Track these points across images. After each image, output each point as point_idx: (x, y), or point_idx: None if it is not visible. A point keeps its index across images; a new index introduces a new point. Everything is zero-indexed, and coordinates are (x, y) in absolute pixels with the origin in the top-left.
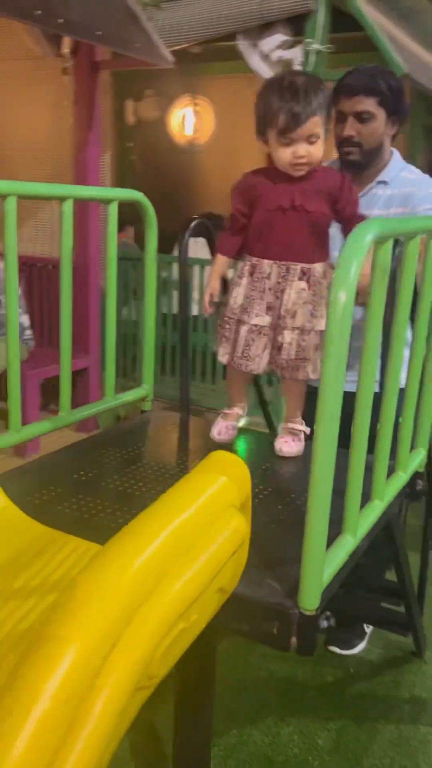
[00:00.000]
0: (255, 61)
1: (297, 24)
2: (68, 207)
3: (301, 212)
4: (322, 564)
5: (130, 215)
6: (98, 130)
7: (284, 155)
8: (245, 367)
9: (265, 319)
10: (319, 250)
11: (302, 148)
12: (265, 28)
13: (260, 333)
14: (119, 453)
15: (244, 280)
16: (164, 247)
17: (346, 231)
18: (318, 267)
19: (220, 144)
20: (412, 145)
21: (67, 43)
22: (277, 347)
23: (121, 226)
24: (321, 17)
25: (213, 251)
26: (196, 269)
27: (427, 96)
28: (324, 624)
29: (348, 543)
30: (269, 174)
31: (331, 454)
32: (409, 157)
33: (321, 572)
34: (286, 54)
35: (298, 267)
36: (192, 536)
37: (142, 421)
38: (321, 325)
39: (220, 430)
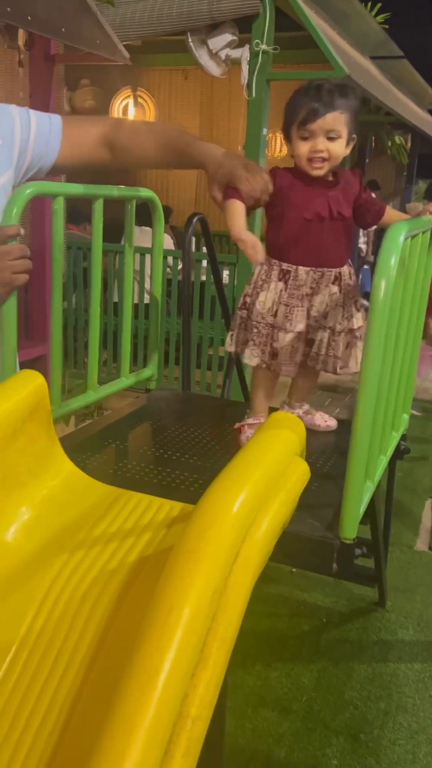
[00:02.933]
0: (204, 59)
1: (242, 23)
2: (99, 205)
3: (338, 220)
4: (360, 500)
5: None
6: None
7: (303, 149)
8: (284, 371)
9: (300, 326)
10: (346, 252)
11: (321, 143)
12: (213, 26)
13: (300, 339)
14: (146, 424)
15: (274, 285)
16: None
17: (369, 219)
18: (346, 269)
19: None
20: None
21: (21, 36)
22: (309, 344)
23: (79, 222)
24: (268, 20)
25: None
26: (139, 257)
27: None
28: (358, 552)
29: (369, 488)
30: (301, 177)
31: (371, 407)
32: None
33: (359, 507)
34: (233, 53)
35: (332, 273)
36: (273, 482)
37: (154, 397)
38: (351, 324)
39: (249, 434)
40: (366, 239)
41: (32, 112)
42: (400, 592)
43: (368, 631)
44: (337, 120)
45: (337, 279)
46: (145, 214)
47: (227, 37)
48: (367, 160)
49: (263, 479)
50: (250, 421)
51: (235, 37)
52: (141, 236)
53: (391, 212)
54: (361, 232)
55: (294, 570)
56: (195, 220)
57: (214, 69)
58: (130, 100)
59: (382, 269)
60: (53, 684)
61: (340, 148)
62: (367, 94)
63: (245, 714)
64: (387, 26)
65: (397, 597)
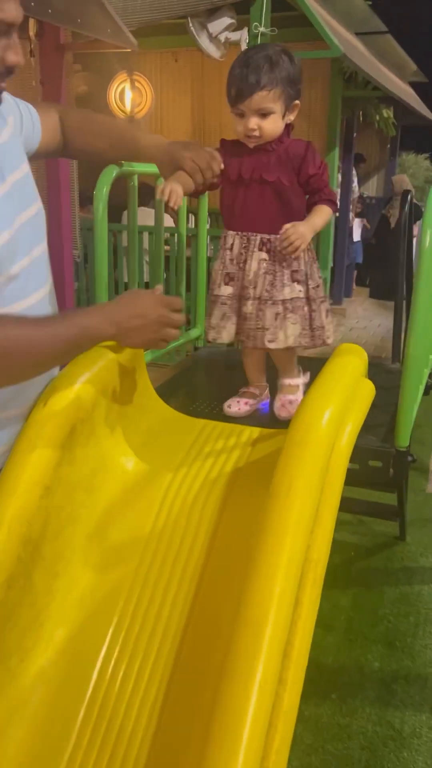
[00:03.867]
0: (204, 42)
1: (240, 6)
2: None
3: (262, 183)
4: (412, 416)
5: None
6: None
7: (238, 126)
8: (212, 337)
9: (226, 290)
10: (283, 220)
11: (252, 121)
12: (212, 10)
13: (222, 303)
14: (205, 373)
15: (221, 253)
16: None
17: (310, 203)
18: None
19: (153, 117)
20: (331, 116)
21: (32, 26)
22: (243, 317)
23: (84, 204)
24: (265, 2)
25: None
26: (146, 236)
27: (344, 69)
28: (410, 458)
29: (415, 408)
30: (237, 144)
31: (420, 342)
32: (329, 128)
33: (411, 421)
34: (233, 36)
35: (258, 237)
36: (349, 399)
37: (203, 353)
38: (282, 294)
39: (231, 403)
40: (358, 222)
41: (19, 100)
42: (417, 528)
43: (393, 561)
44: (265, 98)
45: (265, 245)
46: (144, 195)
47: (226, 20)
48: (354, 134)
49: (342, 397)
50: (242, 389)
51: (233, 21)
52: (141, 216)
53: (322, 208)
54: (351, 215)
55: None
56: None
57: (215, 51)
58: (127, 85)
59: (428, 221)
60: (179, 571)
61: (274, 124)
62: (358, 71)
63: None
64: (370, 2)
65: (415, 531)
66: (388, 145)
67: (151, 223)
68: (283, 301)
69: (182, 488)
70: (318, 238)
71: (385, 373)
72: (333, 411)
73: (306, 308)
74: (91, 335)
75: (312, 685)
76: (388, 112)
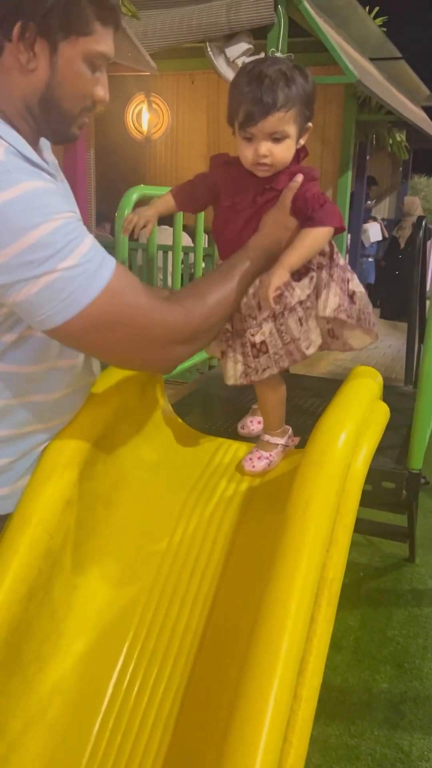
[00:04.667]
0: (222, 66)
1: (257, 31)
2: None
3: (256, 210)
4: (427, 434)
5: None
6: (85, 130)
7: (246, 152)
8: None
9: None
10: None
11: (264, 147)
12: (230, 36)
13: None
14: (218, 392)
15: None
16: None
17: (304, 225)
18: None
19: (169, 138)
20: (344, 140)
21: None
22: (255, 348)
23: (99, 222)
24: (282, 28)
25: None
26: (161, 254)
27: (359, 94)
28: (423, 480)
29: (428, 431)
30: (233, 163)
31: None
32: (343, 151)
33: (424, 443)
34: (249, 60)
35: None
36: (365, 421)
37: (216, 373)
38: (294, 298)
39: (244, 424)
40: (367, 234)
41: None
42: (427, 550)
43: (402, 582)
44: (281, 120)
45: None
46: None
47: (243, 45)
48: (367, 157)
49: (358, 419)
50: (254, 406)
51: (251, 46)
52: (159, 234)
53: (306, 233)
54: (364, 226)
55: None
56: None
57: (231, 75)
58: (144, 106)
59: None
60: (194, 587)
61: (288, 150)
62: (372, 95)
63: None
64: (384, 29)
65: (425, 553)
66: (401, 168)
67: (168, 242)
68: (301, 303)
69: (198, 505)
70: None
71: (398, 395)
72: (349, 433)
73: (327, 278)
74: (261, 260)
75: (320, 705)
76: (401, 136)
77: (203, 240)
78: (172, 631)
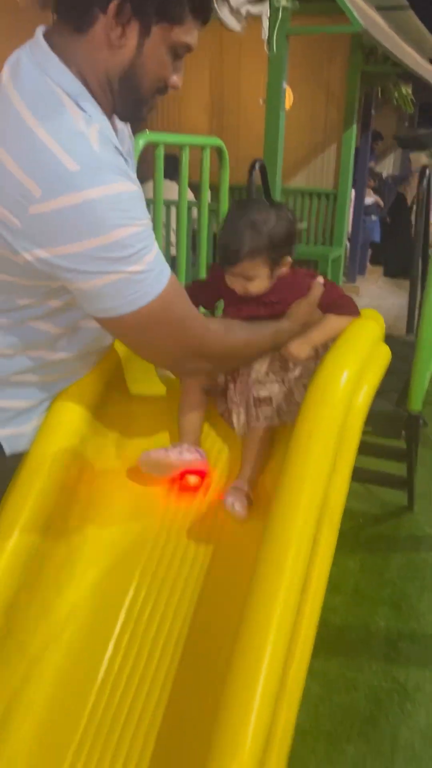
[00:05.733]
0: (225, 15)
1: None
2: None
3: (266, 311)
4: (425, 381)
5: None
6: None
7: (228, 281)
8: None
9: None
10: None
11: (239, 284)
12: None
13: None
14: None
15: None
16: None
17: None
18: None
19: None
20: (349, 92)
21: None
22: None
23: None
24: None
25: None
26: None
27: (364, 43)
28: (421, 422)
29: (428, 375)
30: None
31: None
32: (348, 104)
33: (424, 386)
34: (254, 9)
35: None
36: (366, 361)
37: None
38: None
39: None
40: (374, 199)
41: None
42: (425, 500)
43: (400, 529)
44: (248, 267)
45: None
46: (169, 168)
47: None
48: (372, 112)
49: (360, 359)
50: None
51: None
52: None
53: (331, 318)
54: (368, 192)
55: None
56: (257, 165)
57: (235, 25)
58: None
59: None
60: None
61: (261, 284)
62: (378, 46)
63: None
64: None
65: (423, 503)
66: (406, 123)
67: (173, 197)
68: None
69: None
70: (334, 215)
71: (400, 344)
72: (351, 371)
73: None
74: (285, 335)
75: (321, 641)
76: (406, 89)
77: (208, 196)
78: (181, 561)
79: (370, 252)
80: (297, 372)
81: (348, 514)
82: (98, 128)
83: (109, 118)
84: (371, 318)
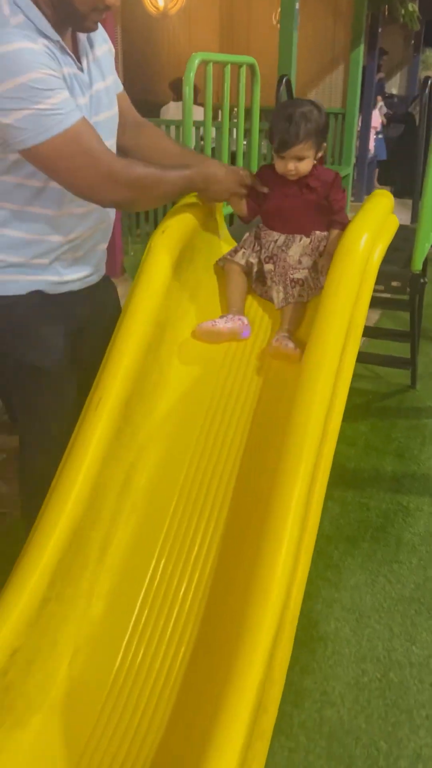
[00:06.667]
0: None
1: None
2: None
3: (301, 198)
4: (427, 243)
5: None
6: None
7: (279, 166)
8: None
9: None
10: (318, 221)
11: (291, 164)
12: None
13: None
14: None
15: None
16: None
17: (330, 223)
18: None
19: (183, 13)
20: (357, 10)
21: None
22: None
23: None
24: None
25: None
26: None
27: None
28: (423, 281)
29: (427, 245)
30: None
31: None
32: (355, 22)
33: (425, 249)
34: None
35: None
36: (380, 228)
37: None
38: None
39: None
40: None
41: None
42: (427, 379)
43: (404, 402)
44: (302, 148)
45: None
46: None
47: None
48: (379, 29)
49: (375, 226)
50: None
51: None
52: (177, 110)
53: (338, 236)
54: (377, 112)
55: None
56: (284, 80)
57: None
58: None
59: None
60: (246, 386)
61: (308, 165)
62: None
63: None
64: None
65: (425, 382)
66: (412, 41)
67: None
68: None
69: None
70: (342, 132)
71: (405, 231)
72: (369, 235)
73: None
74: (192, 186)
75: (339, 479)
76: (413, 6)
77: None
78: (238, 391)
79: (377, 172)
80: (322, 261)
81: (359, 392)
82: (23, 18)
83: (61, 26)
84: (384, 195)
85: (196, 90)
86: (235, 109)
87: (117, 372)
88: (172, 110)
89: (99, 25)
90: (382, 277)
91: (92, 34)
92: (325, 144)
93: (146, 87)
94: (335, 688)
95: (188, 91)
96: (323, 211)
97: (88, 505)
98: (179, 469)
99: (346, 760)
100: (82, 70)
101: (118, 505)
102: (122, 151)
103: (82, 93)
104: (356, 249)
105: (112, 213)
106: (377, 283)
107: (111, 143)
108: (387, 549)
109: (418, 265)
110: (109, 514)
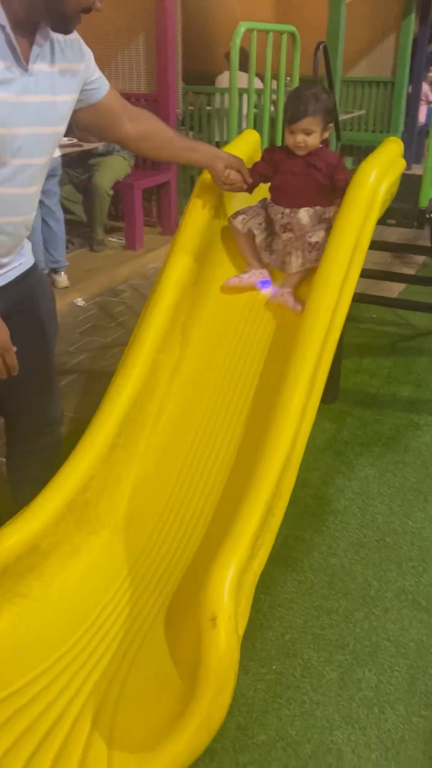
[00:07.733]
0: None
1: None
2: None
3: (306, 176)
4: None
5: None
6: None
7: (289, 139)
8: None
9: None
10: (319, 198)
11: (300, 137)
12: None
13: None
14: None
15: (259, 211)
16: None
17: (336, 194)
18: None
19: None
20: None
21: None
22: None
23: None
24: None
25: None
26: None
27: None
28: (428, 215)
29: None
30: (287, 151)
31: None
32: (405, 10)
33: (430, 190)
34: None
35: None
36: (390, 165)
37: None
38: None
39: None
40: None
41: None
42: None
43: (427, 342)
44: (310, 122)
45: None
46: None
47: None
48: None
49: (383, 166)
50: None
51: None
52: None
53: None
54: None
55: (375, 316)
56: (321, 46)
57: None
58: None
59: None
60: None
61: (316, 139)
62: None
63: None
64: None
65: None
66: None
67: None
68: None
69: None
70: (390, 102)
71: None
72: (377, 173)
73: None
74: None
75: (359, 402)
76: None
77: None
78: (257, 329)
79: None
80: (323, 234)
81: (386, 334)
82: None
83: (30, 27)
84: (393, 142)
85: (246, 57)
86: (288, 78)
87: (170, 279)
88: (226, 79)
89: (89, 50)
90: (396, 213)
91: (69, 51)
92: (331, 125)
93: (204, 58)
94: (340, 544)
95: (234, 56)
96: (326, 189)
97: (146, 383)
98: (218, 366)
99: (344, 590)
100: (26, 71)
101: (169, 387)
102: (125, 140)
103: (7, 89)
104: (366, 182)
105: None
106: (391, 217)
107: (45, 159)
108: (396, 453)
109: (424, 202)
110: (161, 393)
